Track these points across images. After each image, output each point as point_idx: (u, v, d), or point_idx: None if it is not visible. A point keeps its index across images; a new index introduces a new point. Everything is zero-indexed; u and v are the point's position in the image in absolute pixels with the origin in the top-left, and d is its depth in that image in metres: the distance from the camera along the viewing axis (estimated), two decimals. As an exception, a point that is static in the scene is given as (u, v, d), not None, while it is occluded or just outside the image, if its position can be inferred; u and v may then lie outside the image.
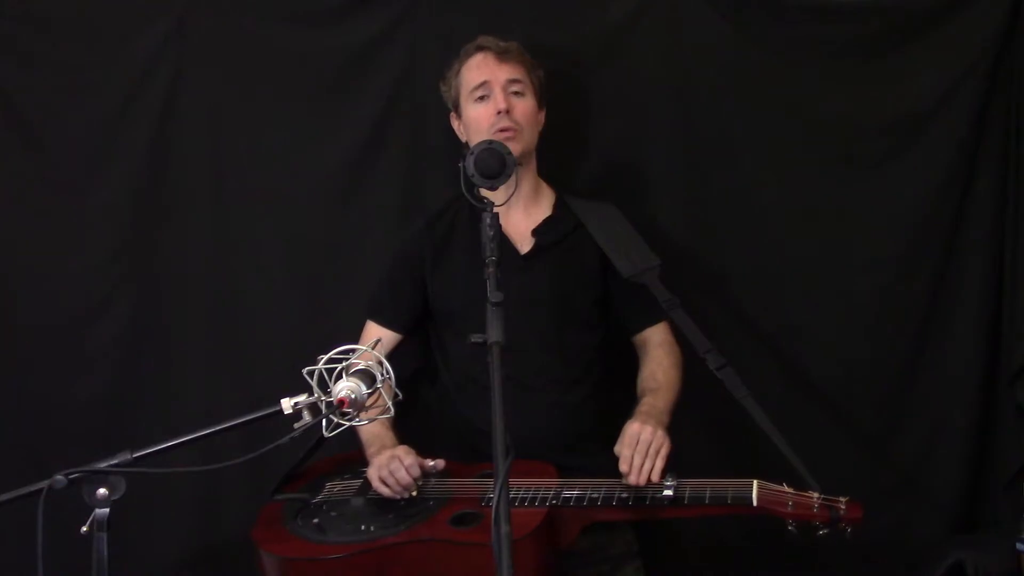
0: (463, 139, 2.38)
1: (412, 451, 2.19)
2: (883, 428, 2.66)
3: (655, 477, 2.04)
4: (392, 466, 2.15)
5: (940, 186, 2.61)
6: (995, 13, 2.55)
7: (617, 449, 2.09)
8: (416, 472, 2.15)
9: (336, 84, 2.61)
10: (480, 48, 2.35)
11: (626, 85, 2.62)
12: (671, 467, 2.09)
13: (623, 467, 2.05)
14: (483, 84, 2.30)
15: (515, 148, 2.15)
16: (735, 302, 2.64)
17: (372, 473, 2.18)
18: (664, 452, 2.07)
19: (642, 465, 2.05)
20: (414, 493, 2.15)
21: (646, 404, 2.23)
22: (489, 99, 2.30)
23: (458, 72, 2.36)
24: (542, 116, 2.39)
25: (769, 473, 2.05)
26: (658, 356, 2.37)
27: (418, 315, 2.42)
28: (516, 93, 2.32)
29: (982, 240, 2.61)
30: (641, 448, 2.06)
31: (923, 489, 2.65)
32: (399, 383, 1.80)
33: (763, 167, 2.63)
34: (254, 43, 2.60)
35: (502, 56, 2.33)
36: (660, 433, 2.10)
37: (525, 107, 2.33)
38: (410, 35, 2.60)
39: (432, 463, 2.18)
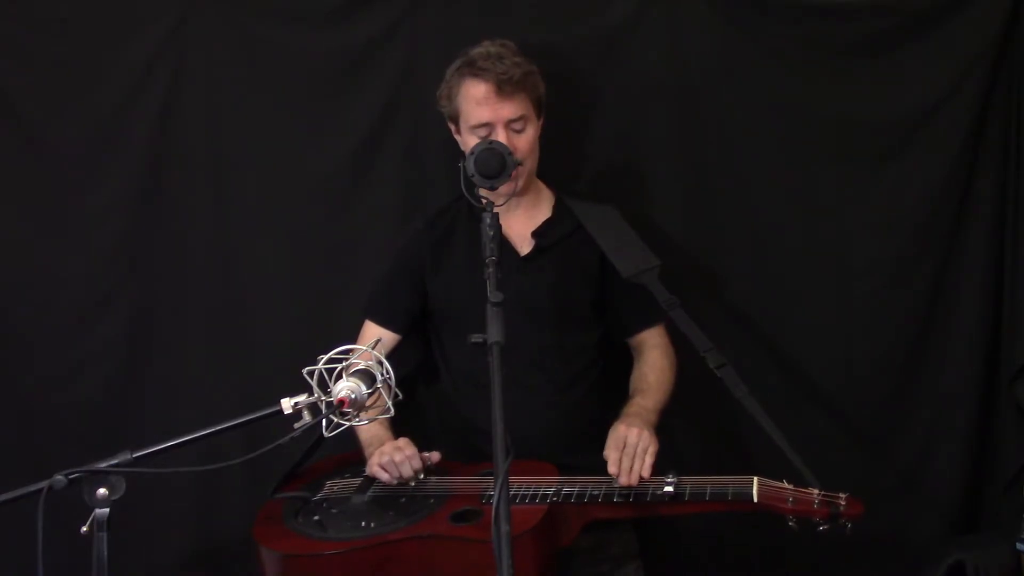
0: (462, 148, 2.36)
1: (412, 443, 2.20)
2: (883, 428, 2.67)
3: (646, 474, 2.05)
4: (395, 455, 2.16)
5: (940, 186, 2.61)
6: (995, 13, 2.55)
7: (605, 453, 2.09)
8: (417, 464, 2.16)
9: (336, 84, 2.61)
10: (478, 75, 2.24)
11: (626, 85, 2.61)
12: (670, 465, 2.09)
13: (612, 469, 2.06)
14: (485, 126, 2.25)
15: (520, 182, 2.22)
16: (734, 302, 2.64)
17: (373, 461, 2.19)
18: (652, 451, 2.08)
19: (631, 467, 2.05)
20: (413, 484, 2.16)
21: (634, 405, 2.24)
22: (491, 136, 2.25)
23: (457, 93, 2.29)
24: (541, 123, 2.37)
25: (769, 472, 2.06)
26: (652, 358, 2.38)
27: (416, 316, 2.42)
28: (518, 130, 2.27)
29: (982, 240, 2.61)
30: (629, 450, 2.07)
31: (923, 489, 2.66)
32: (398, 383, 1.80)
33: (763, 167, 2.63)
34: (254, 43, 2.60)
35: (503, 89, 2.23)
36: (647, 434, 2.10)
37: (527, 140, 2.28)
38: (410, 35, 2.60)
39: (428, 455, 2.19)
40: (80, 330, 2.63)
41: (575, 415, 2.30)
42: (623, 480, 2.05)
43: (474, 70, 2.26)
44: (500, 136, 2.23)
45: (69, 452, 2.39)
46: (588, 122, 2.62)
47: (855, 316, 2.64)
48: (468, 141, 2.28)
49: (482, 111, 2.25)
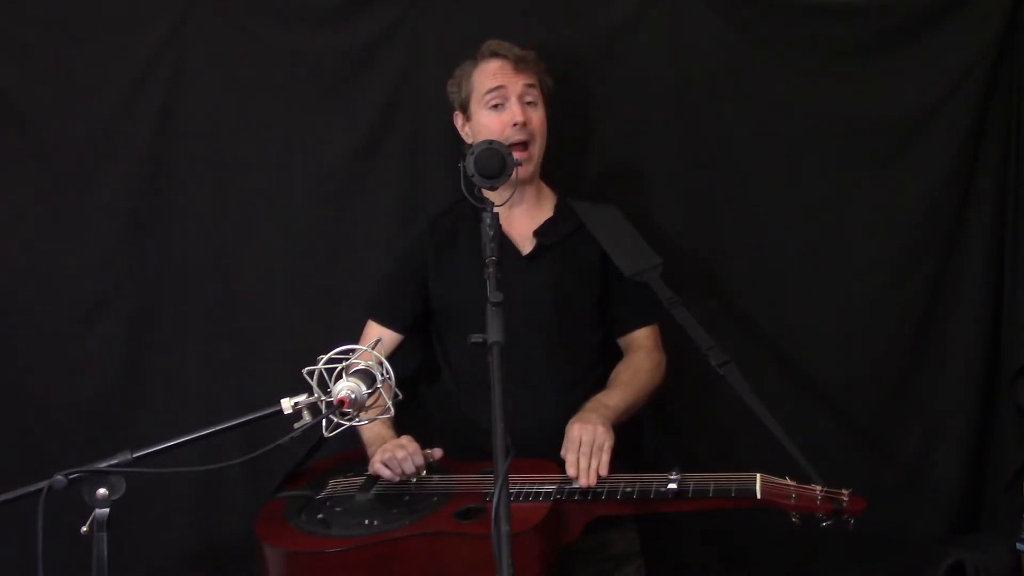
0: (468, 140, 2.37)
1: (414, 440, 2.20)
2: (883, 428, 2.67)
3: (603, 471, 2.05)
4: (396, 452, 2.16)
5: (940, 186, 2.61)
6: (995, 13, 2.56)
7: (562, 454, 2.09)
8: (419, 460, 2.16)
9: (336, 84, 2.61)
10: (496, 54, 2.34)
11: (626, 85, 2.62)
12: (674, 461, 2.08)
13: (570, 472, 2.06)
14: (499, 90, 2.30)
15: (529, 168, 2.28)
16: (735, 301, 2.65)
17: (376, 457, 2.19)
18: (607, 447, 2.07)
19: (588, 466, 2.05)
20: (415, 480, 2.16)
21: (593, 401, 2.23)
22: (504, 108, 2.31)
23: (471, 75, 2.36)
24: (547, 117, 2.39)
25: (771, 469, 2.05)
26: (632, 359, 2.38)
27: (418, 315, 2.42)
28: (530, 103, 2.33)
29: (982, 240, 2.62)
30: (585, 449, 2.07)
31: (923, 489, 2.66)
32: (400, 383, 1.80)
33: (763, 167, 2.63)
34: (254, 43, 2.60)
35: (519, 65, 2.32)
36: (600, 429, 2.10)
37: (539, 117, 2.34)
38: (410, 35, 2.60)
39: (430, 451, 2.20)
40: (80, 330, 2.62)
41: (577, 416, 2.30)
42: (582, 481, 2.04)
43: (489, 52, 2.34)
44: (515, 109, 2.28)
45: (69, 452, 2.39)
46: (588, 122, 2.62)
47: (856, 315, 2.64)
48: (479, 119, 2.32)
49: (496, 78, 2.31)
